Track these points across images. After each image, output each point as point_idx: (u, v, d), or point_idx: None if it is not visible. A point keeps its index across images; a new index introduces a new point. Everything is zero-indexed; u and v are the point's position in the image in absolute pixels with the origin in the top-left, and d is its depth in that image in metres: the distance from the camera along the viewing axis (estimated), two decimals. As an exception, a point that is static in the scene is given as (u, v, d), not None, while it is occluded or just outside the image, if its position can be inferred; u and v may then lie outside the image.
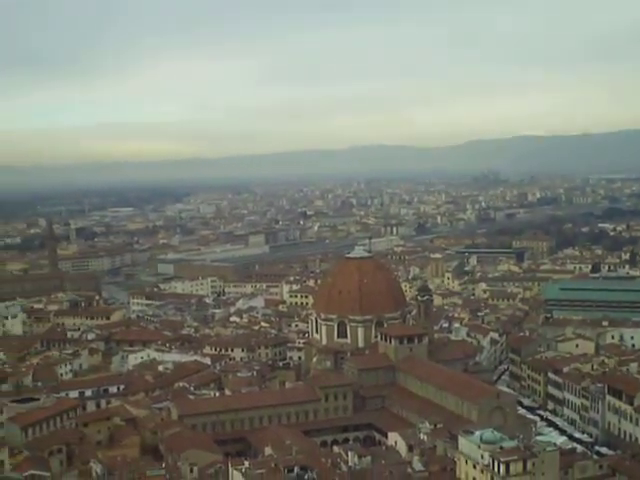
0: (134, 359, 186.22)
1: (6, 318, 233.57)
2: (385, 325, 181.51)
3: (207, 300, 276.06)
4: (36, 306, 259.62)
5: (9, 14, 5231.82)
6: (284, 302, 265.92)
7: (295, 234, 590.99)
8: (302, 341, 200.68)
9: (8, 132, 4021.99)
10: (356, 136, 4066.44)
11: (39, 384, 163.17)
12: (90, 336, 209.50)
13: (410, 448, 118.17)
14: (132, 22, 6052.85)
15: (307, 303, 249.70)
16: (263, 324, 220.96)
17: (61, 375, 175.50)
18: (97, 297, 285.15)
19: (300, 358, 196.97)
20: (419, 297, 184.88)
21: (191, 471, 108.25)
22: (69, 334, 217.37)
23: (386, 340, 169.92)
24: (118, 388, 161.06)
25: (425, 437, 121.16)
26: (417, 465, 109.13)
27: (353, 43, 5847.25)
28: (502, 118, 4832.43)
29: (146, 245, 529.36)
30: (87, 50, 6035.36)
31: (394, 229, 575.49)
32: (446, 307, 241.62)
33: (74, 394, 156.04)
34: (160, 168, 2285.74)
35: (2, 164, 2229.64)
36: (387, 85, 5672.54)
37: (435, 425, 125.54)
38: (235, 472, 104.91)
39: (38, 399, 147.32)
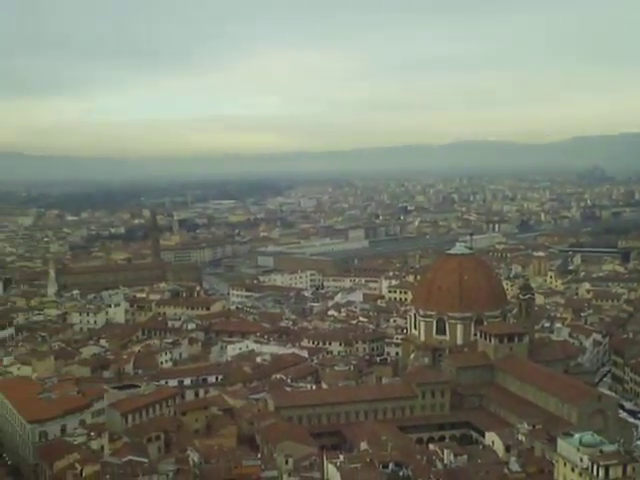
0: (233, 350, 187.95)
1: (109, 306, 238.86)
2: (485, 323, 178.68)
3: (306, 293, 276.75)
4: (138, 295, 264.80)
5: (127, 10, 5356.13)
6: (383, 297, 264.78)
7: (395, 229, 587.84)
8: (400, 337, 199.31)
9: (119, 124, 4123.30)
10: (459, 131, 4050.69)
11: (140, 372, 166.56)
12: (190, 326, 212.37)
13: (507, 448, 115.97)
14: (241, 16, 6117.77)
15: (406, 299, 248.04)
16: (361, 319, 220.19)
17: (161, 363, 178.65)
18: (198, 288, 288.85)
19: (397, 354, 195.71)
20: (520, 295, 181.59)
21: (286, 463, 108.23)
22: (170, 323, 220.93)
23: (486, 338, 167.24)
24: (216, 378, 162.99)
25: (523, 438, 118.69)
26: (514, 466, 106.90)
27: (457, 37, 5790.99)
28: (607, 114, 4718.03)
29: (247, 237, 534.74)
30: (196, 43, 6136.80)
31: (496, 226, 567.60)
32: (548, 306, 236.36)
33: (173, 383, 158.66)
34: (262, 161, 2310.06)
35: (109, 155, 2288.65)
36: (492, 80, 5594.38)
37: (534, 426, 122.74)
38: (330, 465, 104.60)
39: (138, 386, 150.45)
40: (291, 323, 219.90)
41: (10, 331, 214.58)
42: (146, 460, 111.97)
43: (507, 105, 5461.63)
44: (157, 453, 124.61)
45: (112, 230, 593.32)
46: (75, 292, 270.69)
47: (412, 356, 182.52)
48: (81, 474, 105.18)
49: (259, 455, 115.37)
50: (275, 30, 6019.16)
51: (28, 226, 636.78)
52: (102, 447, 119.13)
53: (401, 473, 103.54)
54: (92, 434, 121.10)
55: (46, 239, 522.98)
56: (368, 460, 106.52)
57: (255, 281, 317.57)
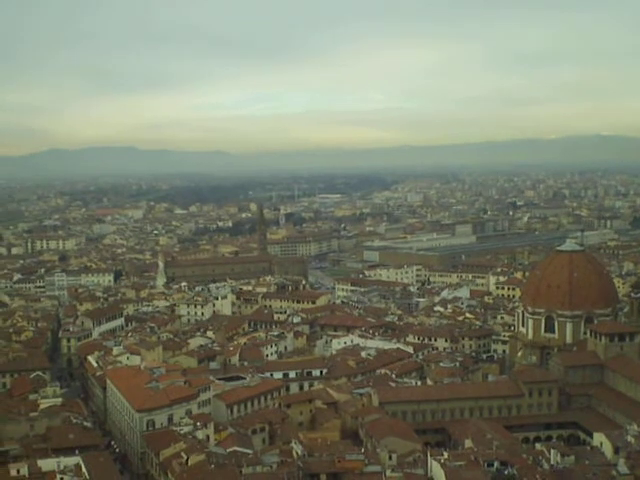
0: (337, 344, 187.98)
1: (216, 299, 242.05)
2: (595, 321, 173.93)
3: (411, 288, 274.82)
4: (245, 288, 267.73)
5: (238, 5, 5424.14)
6: (490, 293, 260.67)
7: (503, 224, 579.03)
8: (507, 334, 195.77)
9: (229, 119, 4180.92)
10: (570, 125, 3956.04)
11: (245, 363, 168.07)
12: (296, 319, 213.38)
13: (616, 450, 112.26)
14: (343, 10, 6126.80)
15: (514, 295, 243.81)
16: (468, 315, 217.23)
17: (266, 356, 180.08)
18: (303, 281, 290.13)
19: (504, 351, 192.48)
20: (632, 294, 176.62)
21: (390, 458, 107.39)
22: (275, 316, 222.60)
23: (596, 337, 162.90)
24: (321, 372, 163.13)
25: (632, 439, 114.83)
26: (622, 468, 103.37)
27: (568, 28, 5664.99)
28: None
29: (353, 232, 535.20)
30: (299, 37, 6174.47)
31: (608, 222, 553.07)
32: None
33: (278, 375, 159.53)
34: (368, 155, 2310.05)
35: (218, 150, 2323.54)
36: (603, 72, 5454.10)
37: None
38: (434, 462, 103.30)
39: (244, 378, 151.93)
40: (396, 318, 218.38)
41: (120, 321, 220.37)
42: (250, 451, 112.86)
43: (619, 98, 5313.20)
44: (261, 445, 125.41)
45: (220, 223, 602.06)
46: (183, 284, 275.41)
47: (519, 354, 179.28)
48: (187, 463, 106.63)
49: (362, 450, 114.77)
50: (386, 26, 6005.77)
51: (138, 219, 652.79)
52: (207, 437, 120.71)
53: (506, 472, 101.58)
54: (198, 424, 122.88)
55: (155, 232, 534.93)
56: (473, 458, 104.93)
57: (360, 275, 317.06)
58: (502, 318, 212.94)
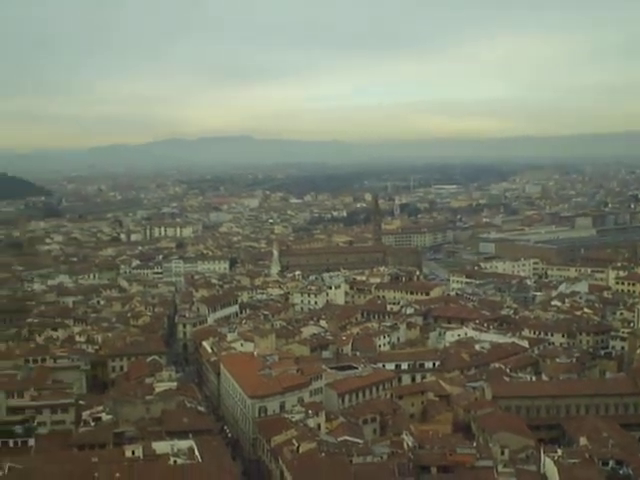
0: (451, 336, 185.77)
1: (330, 288, 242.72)
2: None
3: (528, 282, 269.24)
4: (359, 278, 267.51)
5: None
6: (609, 288, 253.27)
7: (625, 218, 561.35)
8: (627, 330, 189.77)
9: (343, 109, 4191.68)
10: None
11: (358, 353, 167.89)
12: (409, 310, 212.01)
13: None
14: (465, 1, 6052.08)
15: (634, 291, 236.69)
16: (586, 310, 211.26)
17: (379, 346, 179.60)
18: (417, 272, 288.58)
19: (623, 348, 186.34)
20: None
21: (502, 453, 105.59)
22: (389, 307, 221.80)
23: None
24: (433, 364, 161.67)
25: None
26: None
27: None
28: None
29: (468, 223, 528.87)
30: (415, 25, 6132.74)
31: None
32: None
33: (390, 366, 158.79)
34: (485, 145, 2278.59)
35: (333, 139, 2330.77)
36: None
37: None
38: (547, 459, 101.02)
39: (356, 368, 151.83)
40: (512, 312, 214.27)
41: (235, 308, 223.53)
42: (361, 441, 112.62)
43: None
44: (372, 435, 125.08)
45: (334, 213, 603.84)
46: (297, 273, 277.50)
47: (639, 351, 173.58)
48: (297, 450, 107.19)
49: (474, 444, 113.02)
50: (498, 16, 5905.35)
51: (254, 208, 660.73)
52: (319, 425, 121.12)
53: (621, 471, 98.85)
54: (310, 412, 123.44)
55: (271, 221, 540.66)
56: (587, 456, 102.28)
57: (476, 267, 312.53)
58: (621, 314, 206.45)
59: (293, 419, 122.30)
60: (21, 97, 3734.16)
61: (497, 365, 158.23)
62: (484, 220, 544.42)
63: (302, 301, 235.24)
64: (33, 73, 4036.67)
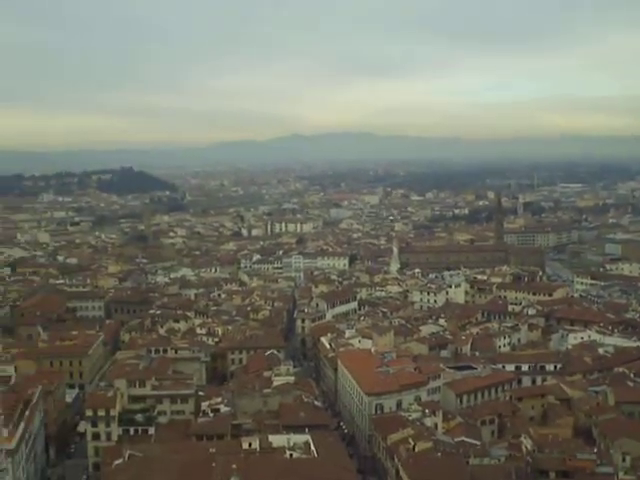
0: (574, 339, 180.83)
1: (450, 287, 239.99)
2: None
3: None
4: (479, 277, 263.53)
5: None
6: None
7: None
8: None
9: (468, 105, 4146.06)
10: None
11: (477, 354, 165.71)
12: (531, 311, 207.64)
13: None
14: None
15: None
16: None
17: (499, 347, 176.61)
18: (540, 273, 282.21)
19: None
20: None
21: (623, 460, 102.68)
22: (510, 307, 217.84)
23: None
24: (555, 366, 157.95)
25: None
26: None
27: None
28: None
29: (594, 223, 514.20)
30: (541, 23, 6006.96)
31: None
32: None
33: (510, 367, 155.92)
34: (612, 143, 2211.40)
35: (457, 136, 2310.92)
36: None
37: None
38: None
39: (475, 368, 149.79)
40: (637, 315, 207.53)
41: (353, 305, 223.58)
42: (478, 442, 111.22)
43: None
44: (490, 437, 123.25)
45: (456, 211, 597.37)
46: (417, 270, 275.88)
47: None
48: (413, 449, 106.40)
49: (595, 449, 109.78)
50: (617, 11, 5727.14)
51: (374, 204, 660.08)
52: (435, 425, 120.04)
53: None
54: (426, 411, 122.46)
55: (391, 217, 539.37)
56: None
57: (601, 269, 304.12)
58: None
59: (410, 417, 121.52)
60: (149, 93, 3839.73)
61: (621, 370, 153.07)
62: (610, 220, 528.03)
63: (421, 299, 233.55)
64: (163, 70, 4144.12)
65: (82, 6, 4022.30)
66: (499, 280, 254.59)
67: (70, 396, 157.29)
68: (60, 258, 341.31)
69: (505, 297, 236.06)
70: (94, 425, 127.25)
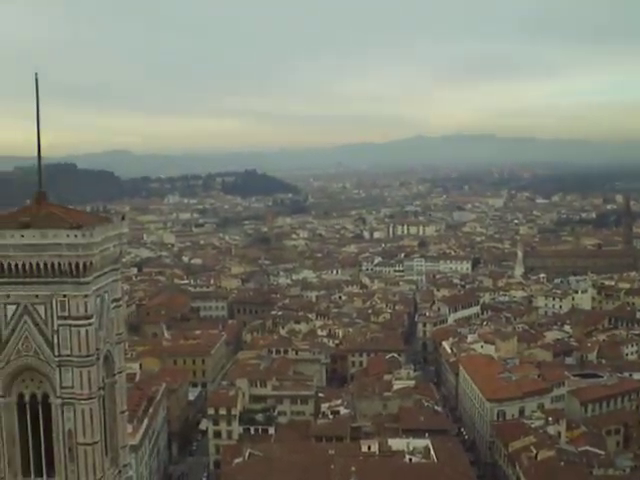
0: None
1: (576, 292, 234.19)
2: None
3: None
4: (607, 283, 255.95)
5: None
6: None
7: None
8: None
9: (594, 106, 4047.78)
10: None
11: (603, 361, 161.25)
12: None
13: None
14: None
15: None
16: None
17: (626, 355, 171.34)
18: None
19: None
20: None
21: None
22: (638, 314, 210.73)
23: None
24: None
25: None
26: None
27: None
28: None
29: None
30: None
31: None
32: None
33: (638, 376, 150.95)
34: None
35: (584, 138, 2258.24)
36: None
37: None
38: None
39: (601, 376, 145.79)
40: None
41: (476, 309, 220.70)
42: (603, 452, 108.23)
43: None
44: (615, 447, 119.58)
45: (583, 215, 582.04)
46: (541, 275, 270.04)
47: None
48: (535, 457, 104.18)
49: None
50: None
51: (498, 207, 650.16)
52: (559, 433, 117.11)
53: None
54: (550, 419, 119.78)
55: (515, 221, 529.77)
56: None
57: None
58: None
59: (532, 425, 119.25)
60: (271, 97, 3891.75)
61: None
62: None
63: (546, 304, 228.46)
64: (284, 74, 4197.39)
65: (207, 10, 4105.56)
66: (627, 286, 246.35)
67: (193, 394, 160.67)
68: (185, 259, 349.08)
69: (633, 303, 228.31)
70: (215, 423, 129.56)
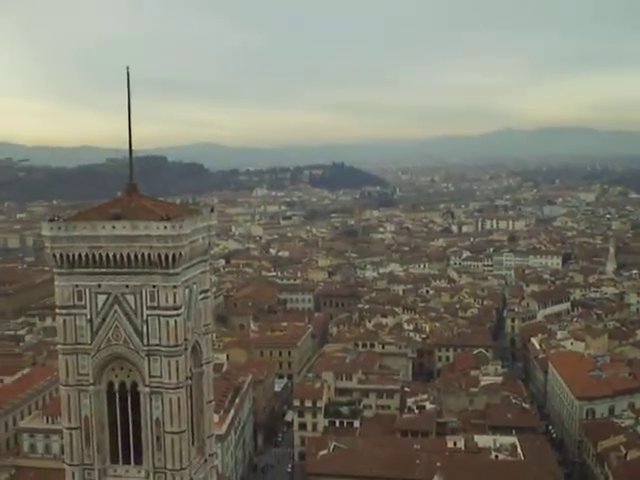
0: None
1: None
2: None
3: None
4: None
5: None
6: None
7: None
8: None
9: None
10: None
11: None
12: None
13: None
14: None
15: None
16: None
17: None
18: None
19: None
20: None
21: None
22: None
23: None
24: None
25: None
26: None
27: None
28: None
29: None
30: None
31: None
32: None
33: None
34: None
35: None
36: None
37: None
38: None
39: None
40: None
41: (566, 306, 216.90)
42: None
43: None
44: None
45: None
46: (634, 272, 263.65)
47: None
48: (625, 457, 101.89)
49: None
50: None
51: (590, 202, 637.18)
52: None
53: None
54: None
55: (608, 216, 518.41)
56: None
57: None
58: None
59: (622, 424, 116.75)
60: (360, 90, 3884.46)
61: None
62: None
63: (638, 301, 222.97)
64: (377, 66, 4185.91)
65: (286, 6, 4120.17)
66: None
67: (279, 386, 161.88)
68: (272, 251, 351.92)
69: None
70: (301, 415, 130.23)
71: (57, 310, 52.96)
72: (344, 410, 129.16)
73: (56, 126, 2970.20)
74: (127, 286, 51.21)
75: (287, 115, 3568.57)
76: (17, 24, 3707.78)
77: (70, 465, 53.99)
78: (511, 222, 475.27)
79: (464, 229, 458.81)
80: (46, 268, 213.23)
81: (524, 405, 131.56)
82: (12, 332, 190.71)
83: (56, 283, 52.54)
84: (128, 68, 53.58)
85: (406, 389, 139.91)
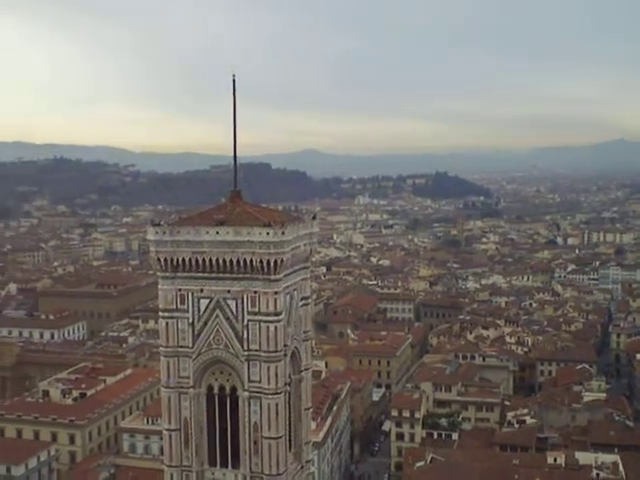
0: None
1: None
2: None
3: None
4: None
5: None
6: None
7: None
8: None
9: None
10: None
11: None
12: None
13: None
14: None
15: None
16: None
17: None
18: None
19: None
20: None
21: None
22: None
23: None
24: None
25: None
26: None
27: None
28: None
29: None
30: None
31: None
32: None
33: None
34: None
35: None
36: None
37: None
38: None
39: None
40: None
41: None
42: None
43: None
44: None
45: None
46: None
47: None
48: None
49: None
50: None
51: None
52: None
53: None
54: None
55: None
56: None
57: None
58: None
59: None
60: (464, 100, 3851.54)
61: None
62: None
63: None
64: (484, 76, 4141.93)
65: (385, 14, 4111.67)
66: None
67: (377, 395, 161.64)
68: (373, 259, 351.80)
69: None
70: (398, 425, 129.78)
71: (160, 313, 54.04)
72: (442, 422, 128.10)
73: (162, 133, 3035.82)
74: (229, 291, 51.89)
75: (389, 123, 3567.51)
76: (124, 37, 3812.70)
77: (169, 466, 54.92)
78: (618, 235, 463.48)
79: (569, 241, 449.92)
80: (150, 272, 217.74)
81: (628, 423, 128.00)
82: (116, 333, 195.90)
83: (159, 286, 53.67)
84: (234, 75, 54.40)
85: (506, 403, 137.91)
